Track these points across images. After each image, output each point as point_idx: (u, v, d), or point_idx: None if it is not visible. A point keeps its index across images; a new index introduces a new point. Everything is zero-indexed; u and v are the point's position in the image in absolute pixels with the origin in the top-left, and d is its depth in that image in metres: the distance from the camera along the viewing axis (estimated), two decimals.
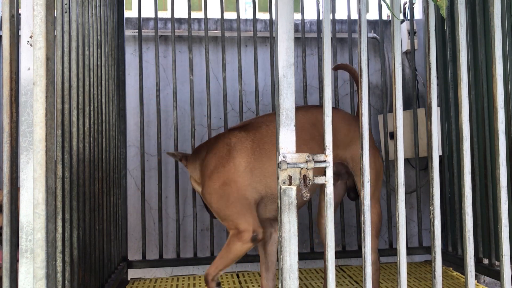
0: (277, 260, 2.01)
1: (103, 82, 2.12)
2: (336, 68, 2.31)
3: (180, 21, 3.07)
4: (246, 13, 3.56)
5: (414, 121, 2.89)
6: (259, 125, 1.95)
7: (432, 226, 1.55)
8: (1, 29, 2.60)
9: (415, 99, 3.01)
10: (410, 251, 2.83)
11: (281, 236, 1.36)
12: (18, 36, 1.24)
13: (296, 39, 3.07)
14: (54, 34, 1.21)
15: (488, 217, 2.35)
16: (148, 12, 3.14)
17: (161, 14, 3.30)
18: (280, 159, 1.35)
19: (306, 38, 3.12)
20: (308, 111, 2.01)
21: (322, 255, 2.49)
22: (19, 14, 1.21)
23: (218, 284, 1.88)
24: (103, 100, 2.12)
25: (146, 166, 2.92)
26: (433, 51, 1.56)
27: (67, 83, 1.54)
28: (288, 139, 1.36)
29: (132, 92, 2.95)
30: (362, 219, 1.48)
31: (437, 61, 2.80)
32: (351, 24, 2.95)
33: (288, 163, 1.34)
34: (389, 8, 1.47)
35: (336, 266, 2.75)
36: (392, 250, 2.86)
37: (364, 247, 1.48)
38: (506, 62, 2.14)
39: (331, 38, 2.91)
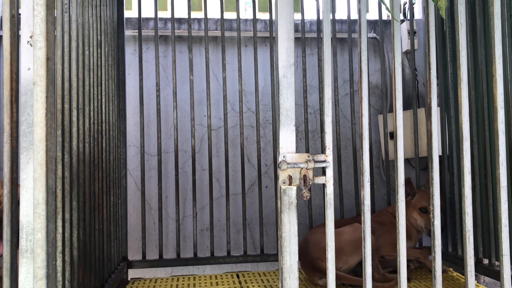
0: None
1: (103, 82, 2.12)
2: None
3: (180, 21, 3.07)
4: (246, 13, 3.56)
5: (414, 121, 2.89)
6: None
7: (432, 226, 1.55)
8: (1, 29, 2.61)
9: (415, 99, 3.01)
10: None
11: (281, 236, 1.36)
12: (19, 36, 1.24)
13: (296, 39, 3.07)
14: (54, 34, 1.21)
15: (488, 217, 2.35)
16: (148, 12, 3.14)
17: (161, 14, 3.30)
18: (280, 159, 1.35)
19: (306, 38, 3.12)
20: None
21: None
22: (19, 14, 1.21)
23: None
24: (103, 100, 2.12)
25: (146, 166, 2.92)
26: (433, 51, 1.56)
27: (67, 83, 1.54)
28: (288, 139, 1.36)
29: (132, 92, 2.95)
30: (362, 219, 1.48)
31: (437, 61, 2.80)
32: (351, 24, 2.95)
33: (288, 163, 1.34)
34: (388, 10, 1.47)
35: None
36: None
37: (364, 247, 1.48)
38: (506, 62, 2.14)
39: (331, 38, 2.91)
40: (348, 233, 2.32)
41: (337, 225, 2.52)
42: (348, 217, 3.05)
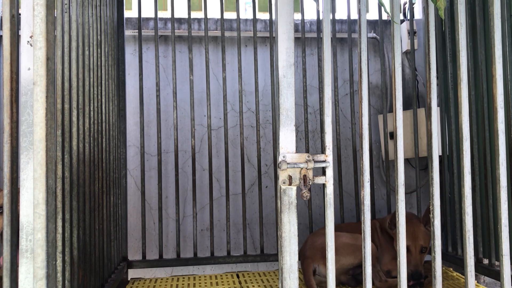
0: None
1: (103, 82, 2.12)
2: None
3: (180, 21, 3.07)
4: (246, 13, 3.56)
5: (414, 121, 2.89)
6: None
7: (432, 226, 1.55)
8: (1, 29, 2.61)
9: (415, 99, 3.01)
10: None
11: (281, 236, 1.36)
12: (19, 36, 1.24)
13: (296, 39, 3.07)
14: (54, 34, 1.21)
15: (488, 217, 2.35)
16: (148, 12, 3.14)
17: (161, 14, 3.30)
18: (280, 159, 1.35)
19: (306, 38, 3.12)
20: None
21: None
22: (20, 14, 1.21)
23: None
24: (103, 100, 2.12)
25: (146, 166, 2.92)
26: (433, 51, 1.56)
27: (67, 83, 1.54)
28: (288, 139, 1.36)
29: (132, 92, 2.95)
30: (362, 219, 1.48)
31: (437, 61, 2.80)
32: (351, 24, 2.95)
33: (288, 163, 1.34)
34: (387, 13, 1.47)
35: None
36: None
37: (364, 247, 1.48)
38: (506, 62, 2.14)
39: (331, 38, 2.91)
40: (347, 237, 2.32)
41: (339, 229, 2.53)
42: (348, 217, 3.05)
